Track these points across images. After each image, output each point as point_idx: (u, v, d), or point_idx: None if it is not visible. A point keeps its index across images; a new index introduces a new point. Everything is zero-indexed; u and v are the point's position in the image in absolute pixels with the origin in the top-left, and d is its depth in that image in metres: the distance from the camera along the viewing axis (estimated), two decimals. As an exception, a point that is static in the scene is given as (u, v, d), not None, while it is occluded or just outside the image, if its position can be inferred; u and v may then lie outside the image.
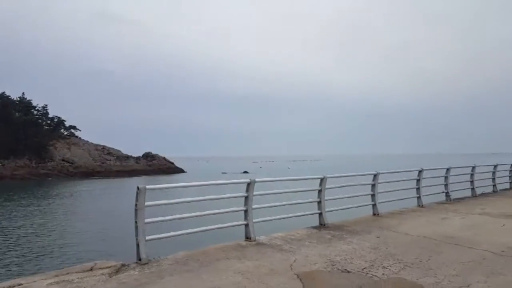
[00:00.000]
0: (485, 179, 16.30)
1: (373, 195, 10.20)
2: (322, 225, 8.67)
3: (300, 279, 5.11)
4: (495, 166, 16.67)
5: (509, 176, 17.94)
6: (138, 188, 5.84)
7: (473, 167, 15.05)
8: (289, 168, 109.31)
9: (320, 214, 8.76)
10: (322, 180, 8.77)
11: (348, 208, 9.68)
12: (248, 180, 7.20)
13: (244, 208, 7.23)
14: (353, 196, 10.00)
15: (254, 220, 7.31)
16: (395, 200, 11.35)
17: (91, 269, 5.51)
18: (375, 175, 10.25)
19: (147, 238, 5.91)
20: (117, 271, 5.47)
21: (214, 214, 7.01)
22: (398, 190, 11.56)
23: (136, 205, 5.84)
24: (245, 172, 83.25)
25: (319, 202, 8.78)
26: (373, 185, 10.23)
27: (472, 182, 14.91)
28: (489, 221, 9.25)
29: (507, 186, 17.63)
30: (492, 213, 10.40)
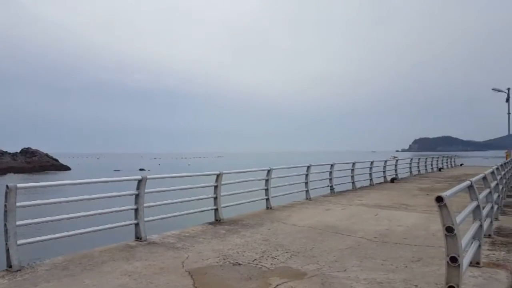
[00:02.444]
0: (363, 174, 18.37)
1: (266, 190, 10.66)
2: (217, 221, 8.74)
3: (191, 276, 5.06)
4: (372, 163, 18.89)
5: (383, 172, 20.49)
6: (7, 187, 5.19)
7: (353, 163, 16.81)
8: (189, 165, 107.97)
9: (216, 209, 8.82)
10: (218, 176, 8.84)
11: (243, 203, 9.94)
12: (139, 177, 6.86)
13: (135, 207, 6.87)
14: (248, 191, 10.31)
15: (146, 219, 7.01)
16: (287, 194, 12.04)
17: None
18: (268, 171, 10.72)
19: (19, 242, 5.28)
20: (-18, 281, 4.75)
21: (99, 214, 6.50)
22: (290, 184, 12.29)
23: (5, 206, 5.19)
24: (142, 169, 79.32)
25: (215, 198, 8.84)
26: (267, 180, 10.70)
27: (352, 176, 16.64)
28: (366, 211, 10.34)
29: (382, 180, 20.11)
30: (368, 204, 11.69)
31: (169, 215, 7.84)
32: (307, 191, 12.79)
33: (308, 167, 13.00)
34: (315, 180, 13.94)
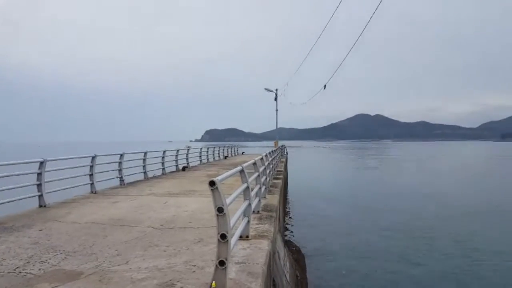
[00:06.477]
0: (156, 163, 18.42)
1: (39, 185, 9.16)
2: (-35, 227, 6.93)
3: None
4: (164, 152, 19.15)
5: (175, 161, 21.10)
6: None
7: (145, 153, 16.60)
8: None
9: (-37, 213, 6.97)
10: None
11: (5, 202, 8.20)
12: None
13: None
14: (13, 188, 8.58)
15: None
16: (67, 188, 10.72)
17: None
18: (41, 163, 9.22)
19: None
20: None
21: None
22: (71, 177, 11.02)
23: None
24: None
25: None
26: (40, 174, 9.19)
27: (144, 166, 16.42)
28: (155, 201, 10.33)
29: (174, 169, 20.67)
30: (158, 193, 11.75)
31: None
32: (92, 184, 11.77)
33: (93, 157, 11.97)
34: (103, 172, 13.03)
